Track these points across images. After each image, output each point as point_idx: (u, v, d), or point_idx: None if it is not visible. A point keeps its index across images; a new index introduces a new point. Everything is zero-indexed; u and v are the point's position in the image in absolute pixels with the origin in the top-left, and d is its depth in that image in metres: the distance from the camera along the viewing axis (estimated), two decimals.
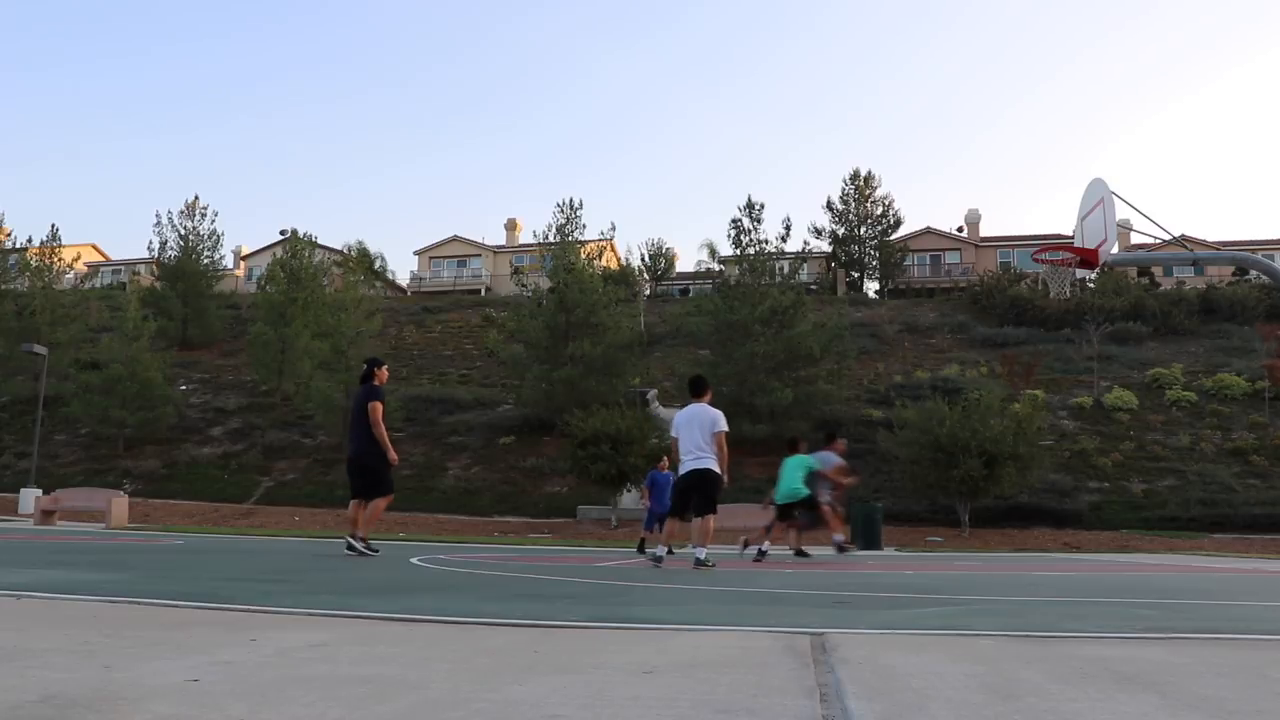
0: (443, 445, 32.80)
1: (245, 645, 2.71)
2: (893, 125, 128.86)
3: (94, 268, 66.34)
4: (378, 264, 63.38)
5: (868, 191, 58.72)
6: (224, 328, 46.20)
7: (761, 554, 11.90)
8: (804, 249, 39.37)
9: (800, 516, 13.08)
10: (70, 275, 47.26)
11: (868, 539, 18.77)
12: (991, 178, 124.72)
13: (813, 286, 50.44)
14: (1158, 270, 50.54)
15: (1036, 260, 14.36)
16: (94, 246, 69.94)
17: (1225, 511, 26.44)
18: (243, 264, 67.17)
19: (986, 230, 62.66)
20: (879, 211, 58.61)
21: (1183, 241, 18.62)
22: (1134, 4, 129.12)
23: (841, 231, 58.32)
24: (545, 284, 35.58)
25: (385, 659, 2.49)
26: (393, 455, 9.41)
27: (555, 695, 2.02)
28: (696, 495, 9.26)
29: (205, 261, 46.89)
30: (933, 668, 2.52)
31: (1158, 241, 14.36)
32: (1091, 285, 42.77)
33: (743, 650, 2.82)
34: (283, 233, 49.20)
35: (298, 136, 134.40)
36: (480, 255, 66.34)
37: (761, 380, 30.09)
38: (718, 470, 9.15)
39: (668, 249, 62.91)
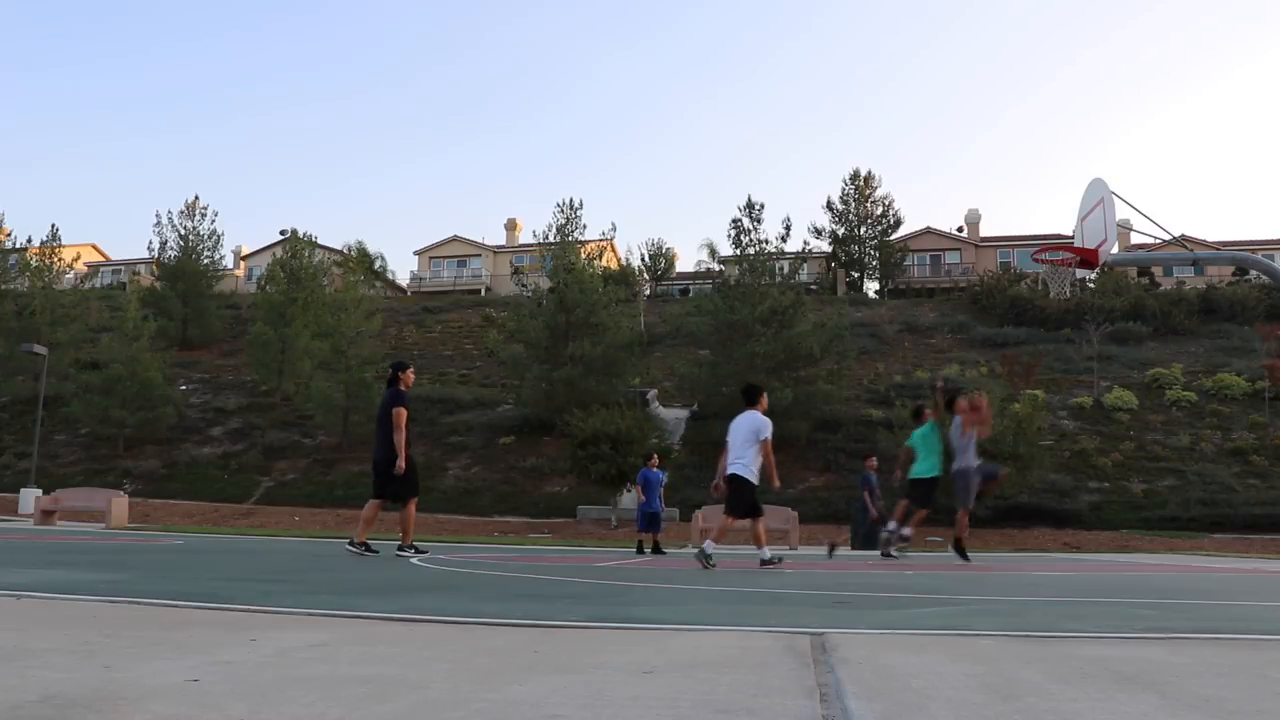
0: (443, 445, 32.81)
1: (245, 645, 2.71)
2: (893, 125, 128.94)
3: (94, 268, 66.34)
4: (378, 264, 63.39)
5: (868, 191, 58.72)
6: (224, 328, 46.21)
7: (904, 539, 11.70)
8: (804, 249, 39.37)
9: (913, 497, 12.23)
10: (70, 275, 47.24)
11: (867, 539, 18.78)
12: (991, 178, 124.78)
13: (813, 286, 50.44)
14: (1158, 270, 50.53)
15: (1036, 260, 14.36)
16: (94, 246, 69.94)
17: (1225, 511, 26.45)
18: (243, 264, 67.17)
19: (986, 230, 62.70)
20: (879, 211, 58.63)
21: (1183, 241, 18.63)
22: (1134, 5, 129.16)
23: (841, 231, 58.32)
24: (545, 284, 35.58)
25: (385, 659, 2.49)
26: (400, 464, 9.59)
27: (555, 695, 2.02)
28: (733, 499, 9.44)
29: (205, 261, 46.90)
30: (933, 668, 2.51)
31: (1158, 241, 14.36)
32: (1091, 285, 42.77)
33: (743, 650, 2.82)
34: (283, 233, 49.22)
35: (298, 136, 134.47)
36: (480, 255, 66.33)
37: (761, 380, 30.03)
38: (746, 475, 9.26)
39: (668, 249, 62.92)
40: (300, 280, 39.37)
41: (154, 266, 48.06)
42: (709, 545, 9.08)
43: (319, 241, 44.50)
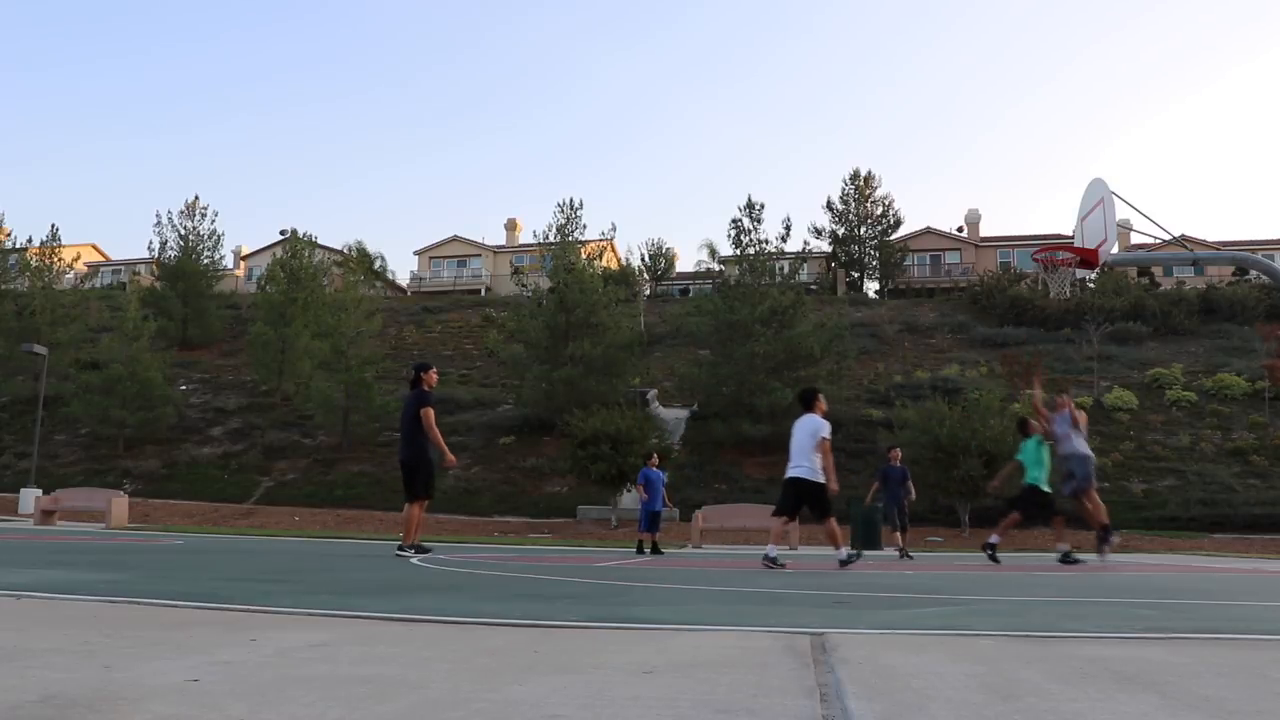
0: None
1: (245, 645, 2.71)
2: (893, 125, 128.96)
3: (94, 268, 66.32)
4: (378, 264, 63.34)
5: (868, 191, 58.70)
6: (224, 328, 46.19)
7: (1068, 556, 11.78)
8: (804, 249, 39.37)
9: (1027, 509, 12.48)
10: (70, 275, 47.25)
11: (867, 540, 18.79)
12: (991, 178, 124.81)
13: (813, 286, 50.43)
14: (1158, 270, 50.52)
15: (1036, 260, 14.35)
16: (94, 246, 69.93)
17: (1225, 511, 26.43)
18: (243, 264, 67.16)
19: (986, 230, 62.69)
20: (879, 211, 58.61)
21: (1183, 241, 18.62)
22: (1134, 4, 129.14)
23: (841, 231, 58.30)
24: (545, 284, 35.57)
25: (385, 659, 2.49)
26: (449, 459, 10.04)
27: (555, 695, 2.02)
28: (799, 502, 9.57)
29: (205, 261, 46.88)
30: (933, 668, 2.51)
31: (1158, 241, 14.36)
32: (1091, 285, 42.75)
33: (743, 650, 2.82)
34: (283, 233, 49.22)
35: (298, 136, 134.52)
36: (480, 255, 66.32)
37: (761, 380, 30.08)
38: (810, 477, 9.36)
39: (668, 249, 62.88)
40: (300, 280, 39.35)
41: (154, 266, 48.04)
42: (772, 549, 9.22)
43: (319, 241, 44.49)
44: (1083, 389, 35.28)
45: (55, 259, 41.20)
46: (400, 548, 9.88)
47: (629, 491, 26.08)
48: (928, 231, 60.90)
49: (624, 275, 52.27)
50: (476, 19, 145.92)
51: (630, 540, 17.16)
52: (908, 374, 37.35)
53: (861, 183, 58.73)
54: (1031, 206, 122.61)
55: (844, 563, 9.38)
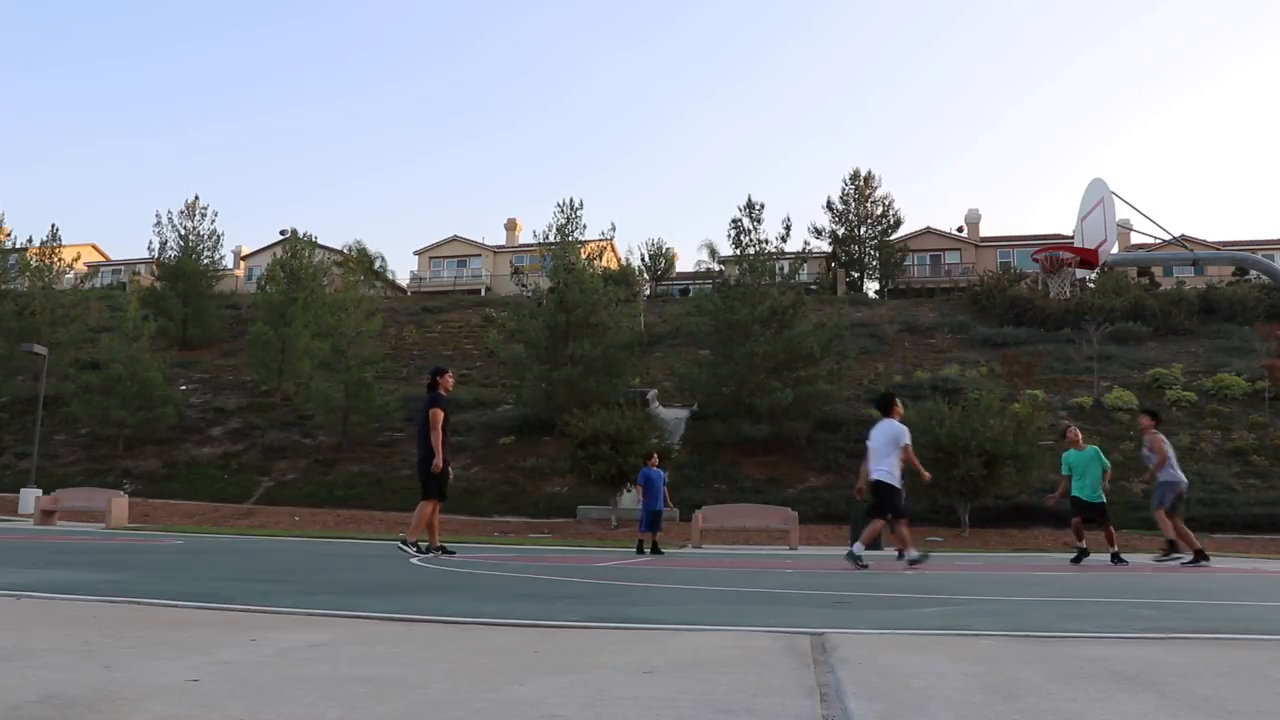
0: None
1: (245, 645, 2.71)
2: (893, 125, 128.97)
3: (94, 268, 66.33)
4: (378, 264, 63.36)
5: (868, 191, 58.71)
6: (224, 328, 46.20)
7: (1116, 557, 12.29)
8: (804, 249, 39.38)
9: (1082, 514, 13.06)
10: (70, 275, 47.25)
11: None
12: (991, 178, 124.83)
13: (813, 286, 50.42)
14: (1158, 270, 50.51)
15: (1036, 260, 14.34)
16: (94, 246, 69.93)
17: (1225, 511, 26.42)
18: (243, 264, 67.16)
19: (986, 230, 62.70)
20: (879, 211, 58.61)
21: (1183, 241, 18.62)
22: (1134, 4, 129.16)
23: (841, 231, 58.31)
24: (545, 284, 35.58)
25: (385, 659, 2.49)
26: (438, 463, 10.02)
27: (555, 695, 2.02)
28: (881, 504, 10.01)
29: (205, 261, 46.89)
30: (933, 668, 2.51)
31: (1158, 241, 14.35)
32: (1091, 285, 42.75)
33: (743, 650, 2.82)
34: (283, 233, 49.21)
35: (298, 136, 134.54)
36: (480, 255, 66.33)
37: (761, 380, 30.08)
38: (890, 481, 9.91)
39: (668, 249, 62.88)
40: (300, 280, 39.36)
41: (154, 266, 48.05)
42: (858, 548, 9.65)
43: (319, 241, 44.51)
44: (1083, 389, 35.30)
45: (55, 259, 41.22)
46: (403, 542, 9.95)
47: (629, 491, 26.08)
48: (928, 231, 60.90)
49: (624, 275, 52.27)
50: (476, 19, 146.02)
51: (630, 540, 17.16)
52: (908, 374, 37.35)
53: (861, 183, 58.73)
54: (1031, 206, 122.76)
55: (914, 562, 9.75)
